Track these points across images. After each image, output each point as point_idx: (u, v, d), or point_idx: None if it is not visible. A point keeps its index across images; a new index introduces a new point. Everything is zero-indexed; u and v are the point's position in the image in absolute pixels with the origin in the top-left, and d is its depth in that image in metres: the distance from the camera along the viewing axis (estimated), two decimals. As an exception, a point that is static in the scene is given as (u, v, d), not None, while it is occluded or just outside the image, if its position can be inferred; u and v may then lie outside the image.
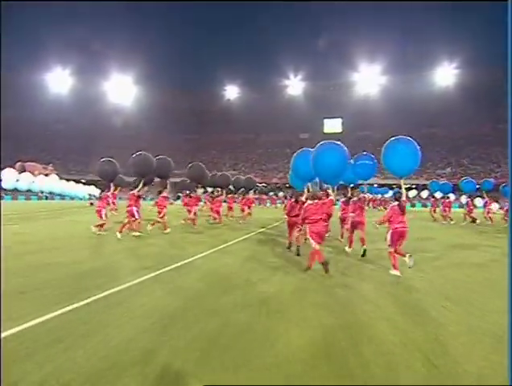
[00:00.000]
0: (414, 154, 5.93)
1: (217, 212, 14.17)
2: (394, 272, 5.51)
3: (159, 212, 10.75)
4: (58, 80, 58.19)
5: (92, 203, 27.96)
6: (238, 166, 59.79)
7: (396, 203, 5.64)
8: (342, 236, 9.41)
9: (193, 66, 67.50)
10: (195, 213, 12.69)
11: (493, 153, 51.24)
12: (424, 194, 35.04)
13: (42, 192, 31.31)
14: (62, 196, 32.46)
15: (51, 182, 26.78)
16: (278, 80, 59.02)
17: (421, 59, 51.36)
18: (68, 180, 52.07)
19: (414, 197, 40.78)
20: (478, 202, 18.72)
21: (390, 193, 36.28)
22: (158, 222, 10.79)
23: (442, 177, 42.52)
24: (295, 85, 59.13)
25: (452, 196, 19.28)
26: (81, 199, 31.85)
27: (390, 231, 5.61)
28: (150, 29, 62.27)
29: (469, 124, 57.72)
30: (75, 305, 3.75)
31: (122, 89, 61.69)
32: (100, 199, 10.84)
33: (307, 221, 5.70)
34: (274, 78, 59.92)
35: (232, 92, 63.11)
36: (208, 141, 70.27)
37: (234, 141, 69.76)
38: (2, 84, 51.54)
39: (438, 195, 19.69)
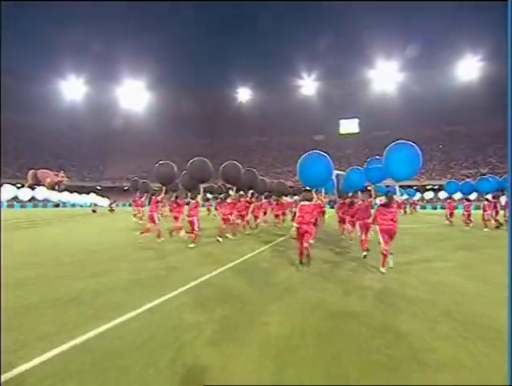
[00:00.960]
0: (411, 160, 6.24)
1: (256, 217, 13.54)
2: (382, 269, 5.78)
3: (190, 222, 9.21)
4: (72, 88, 58.77)
5: (94, 211, 28.16)
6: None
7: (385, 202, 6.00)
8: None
9: (205, 69, 66.96)
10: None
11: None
12: (442, 195, 32.85)
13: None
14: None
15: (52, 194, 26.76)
16: (291, 81, 57.53)
17: (442, 53, 48.69)
18: (82, 187, 53.28)
19: (431, 199, 38.64)
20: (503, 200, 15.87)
21: (418, 195, 34.49)
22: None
23: (468, 177, 39.97)
24: (308, 85, 57.47)
25: (473, 197, 16.76)
26: (82, 206, 31.55)
27: (378, 229, 6.01)
28: (162, 32, 62.14)
29: (493, 120, 54.67)
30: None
31: (135, 94, 61.72)
32: (150, 202, 10.32)
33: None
34: (287, 78, 58.36)
35: (244, 94, 62.11)
36: (221, 146, 69.60)
37: (247, 144, 68.83)
38: (19, 93, 52.47)
39: (457, 196, 17.59)
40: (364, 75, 54.93)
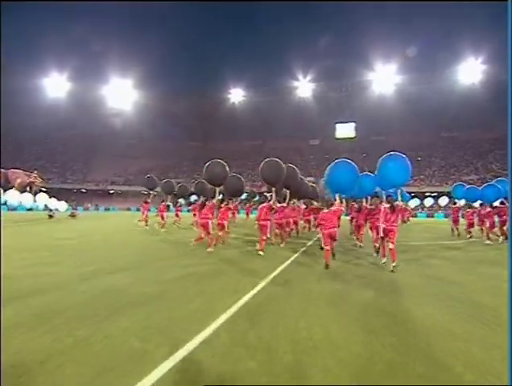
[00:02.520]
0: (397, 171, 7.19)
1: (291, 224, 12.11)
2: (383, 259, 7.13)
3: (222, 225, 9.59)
4: (56, 85, 55.36)
5: (51, 216, 23.89)
6: (245, 174, 56.16)
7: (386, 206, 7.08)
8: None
9: (195, 69, 63.81)
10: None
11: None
12: (443, 201, 30.50)
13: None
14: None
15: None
16: (285, 82, 55.06)
17: (442, 55, 46.94)
18: (67, 190, 50.35)
19: (431, 206, 36.59)
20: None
21: (415, 201, 32.36)
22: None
23: (470, 184, 38.03)
24: (304, 87, 55.08)
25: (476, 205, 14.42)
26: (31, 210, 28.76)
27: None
28: (152, 30, 59.44)
29: (494, 125, 53.38)
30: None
31: (122, 94, 58.58)
32: (202, 207, 9.27)
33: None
34: (282, 79, 55.78)
35: (237, 95, 59.44)
36: (213, 148, 67.16)
37: (241, 148, 66.55)
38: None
39: (461, 203, 15.28)
40: (362, 78, 52.98)
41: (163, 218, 14.98)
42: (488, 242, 11.55)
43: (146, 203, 15.71)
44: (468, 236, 13.18)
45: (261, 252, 8.02)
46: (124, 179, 59.09)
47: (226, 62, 59.64)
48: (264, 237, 8.33)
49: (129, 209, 49.02)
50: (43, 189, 27.77)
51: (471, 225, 13.37)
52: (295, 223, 12.42)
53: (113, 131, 63.04)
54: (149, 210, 16.06)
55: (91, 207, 47.99)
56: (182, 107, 61.40)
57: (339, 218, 7.16)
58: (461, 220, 14.63)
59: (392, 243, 6.53)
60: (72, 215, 24.82)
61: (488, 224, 12.04)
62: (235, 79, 55.13)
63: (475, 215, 13.33)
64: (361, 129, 60.73)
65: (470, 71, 48.02)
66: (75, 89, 56.16)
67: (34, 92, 53.94)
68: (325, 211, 6.95)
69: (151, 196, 15.68)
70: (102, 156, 62.79)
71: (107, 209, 49.83)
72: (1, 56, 42.42)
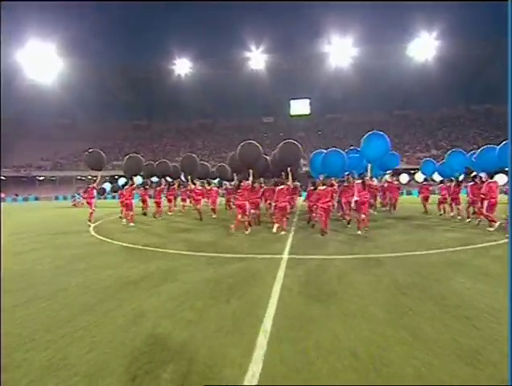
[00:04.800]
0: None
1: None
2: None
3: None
4: None
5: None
6: (195, 154, 51.46)
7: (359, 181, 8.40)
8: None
9: (134, 33, 54.91)
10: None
11: (470, 134, 48.04)
12: (419, 177, 29.01)
13: None
14: None
15: None
16: (237, 53, 49.61)
17: (398, 28, 45.29)
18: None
19: (409, 182, 35.38)
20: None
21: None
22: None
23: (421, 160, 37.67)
24: (257, 58, 50.15)
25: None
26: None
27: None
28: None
29: (442, 106, 54.58)
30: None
31: (43, 61, 48.15)
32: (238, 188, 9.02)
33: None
34: (233, 49, 50.07)
35: (183, 66, 52.85)
36: (159, 128, 61.12)
37: (189, 126, 61.28)
38: None
39: (436, 177, 13.45)
40: (317, 50, 49.78)
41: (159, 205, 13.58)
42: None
43: (145, 189, 14.03)
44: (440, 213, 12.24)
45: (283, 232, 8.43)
46: (52, 164, 51.23)
47: (170, 28, 52.64)
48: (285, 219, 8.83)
49: (56, 198, 42.15)
50: None
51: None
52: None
53: (38, 108, 53.77)
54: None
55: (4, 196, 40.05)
56: (120, 79, 53.90)
57: (332, 196, 8.41)
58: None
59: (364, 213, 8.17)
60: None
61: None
62: (179, 48, 48.62)
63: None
64: (315, 106, 58.55)
65: (424, 47, 47.10)
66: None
67: None
68: (321, 188, 8.26)
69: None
70: (30, 140, 53.77)
71: (25, 199, 42.41)
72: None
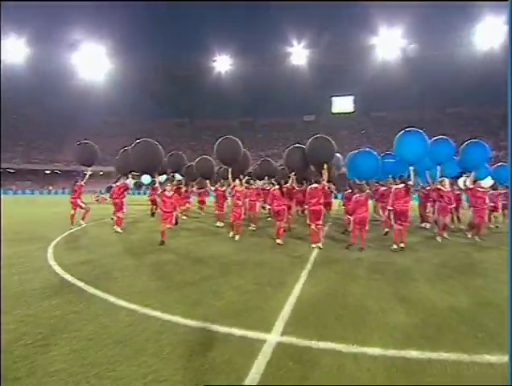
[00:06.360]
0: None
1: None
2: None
3: None
4: (12, 49, 46.42)
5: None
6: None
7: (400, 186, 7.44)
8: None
9: (174, 32, 55.27)
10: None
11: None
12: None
13: None
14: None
15: None
16: (278, 48, 48.02)
17: (453, 14, 41.06)
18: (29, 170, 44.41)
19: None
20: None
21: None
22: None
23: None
24: (298, 53, 48.51)
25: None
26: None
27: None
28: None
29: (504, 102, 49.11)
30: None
31: (94, 62, 50.89)
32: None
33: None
34: (273, 45, 48.61)
35: (223, 63, 52.77)
36: (201, 125, 61.88)
37: (230, 124, 61.30)
38: None
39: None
40: (361, 44, 47.08)
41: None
42: None
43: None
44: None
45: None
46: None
47: (209, 25, 52.49)
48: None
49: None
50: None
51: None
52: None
53: (86, 105, 56.67)
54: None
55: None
56: (162, 79, 55.23)
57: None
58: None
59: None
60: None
61: None
62: (220, 44, 48.34)
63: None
64: (359, 104, 55.76)
65: (489, 34, 42.23)
66: (35, 55, 48.04)
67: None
68: (357, 195, 7.20)
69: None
70: (76, 134, 56.95)
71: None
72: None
